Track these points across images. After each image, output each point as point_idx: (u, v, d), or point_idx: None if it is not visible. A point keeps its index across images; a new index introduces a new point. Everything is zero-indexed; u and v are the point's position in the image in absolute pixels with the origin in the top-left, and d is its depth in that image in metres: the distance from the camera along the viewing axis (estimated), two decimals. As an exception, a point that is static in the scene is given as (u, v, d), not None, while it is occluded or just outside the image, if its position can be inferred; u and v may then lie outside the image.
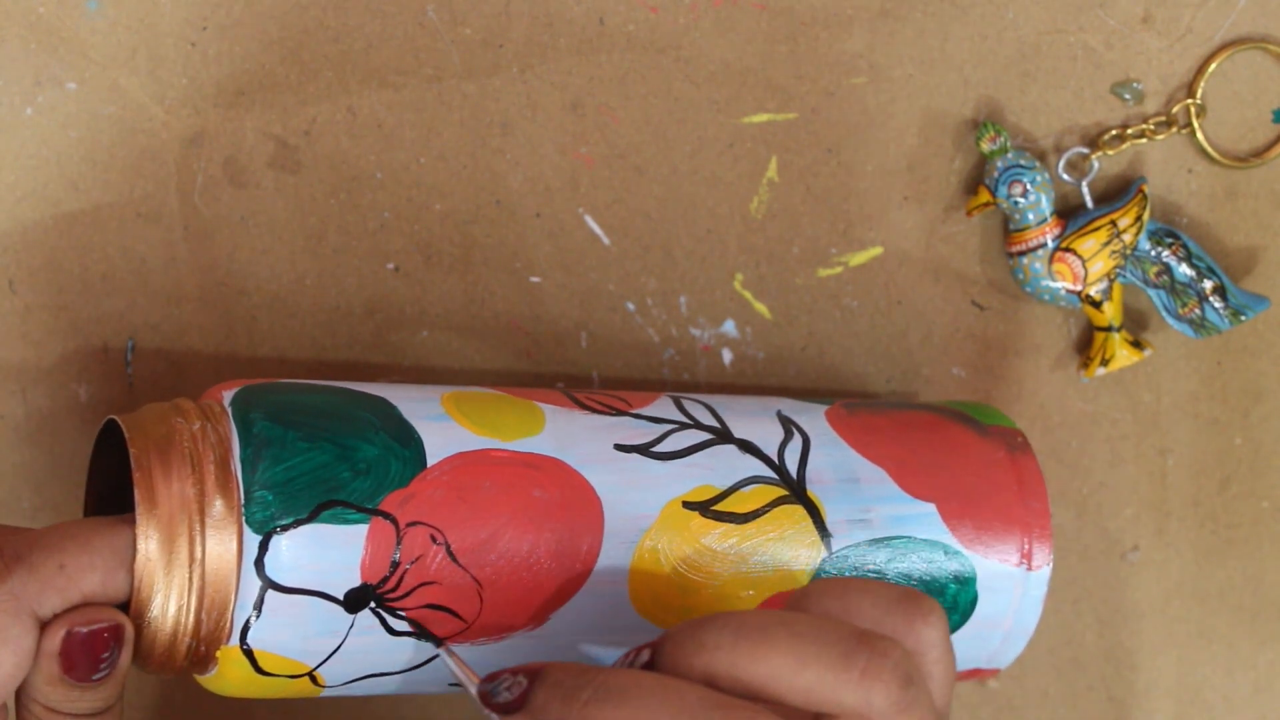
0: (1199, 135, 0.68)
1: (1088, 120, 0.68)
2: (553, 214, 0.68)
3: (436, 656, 0.57)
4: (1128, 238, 0.68)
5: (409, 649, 0.57)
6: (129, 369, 0.67)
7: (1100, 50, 0.68)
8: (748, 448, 0.61)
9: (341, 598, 0.56)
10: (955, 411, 0.65)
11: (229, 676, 0.57)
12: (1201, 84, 0.68)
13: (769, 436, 0.61)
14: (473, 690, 0.53)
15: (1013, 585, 0.62)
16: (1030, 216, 0.68)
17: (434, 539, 0.56)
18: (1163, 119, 0.68)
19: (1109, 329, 0.69)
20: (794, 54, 0.67)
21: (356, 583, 0.56)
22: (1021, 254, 0.68)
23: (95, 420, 0.66)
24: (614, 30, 0.67)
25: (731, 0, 0.67)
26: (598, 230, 0.68)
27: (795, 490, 0.60)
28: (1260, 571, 0.72)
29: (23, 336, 0.66)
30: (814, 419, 0.62)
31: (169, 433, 0.56)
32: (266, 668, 0.56)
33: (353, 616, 0.56)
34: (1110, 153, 0.68)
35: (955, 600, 0.61)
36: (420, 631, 0.57)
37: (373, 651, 0.57)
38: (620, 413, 0.60)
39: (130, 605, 0.55)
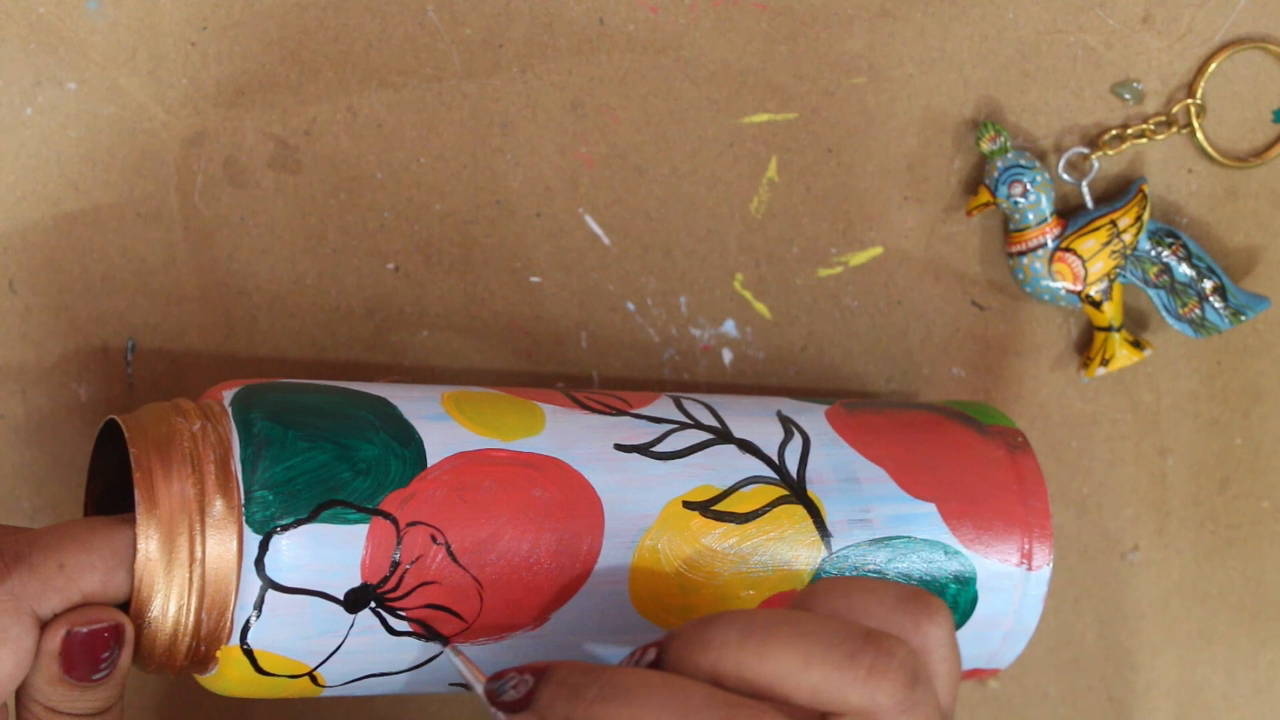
0: (1199, 135, 0.68)
1: (1088, 120, 0.68)
2: (553, 214, 0.68)
3: (437, 656, 0.57)
4: (1128, 238, 0.68)
5: (409, 649, 0.57)
6: (129, 369, 0.67)
7: (1100, 50, 0.68)
8: (748, 448, 0.61)
9: (341, 598, 0.56)
10: (955, 411, 0.65)
11: (229, 676, 0.57)
12: (1201, 84, 0.68)
13: (769, 436, 0.61)
14: (479, 689, 0.53)
15: (1013, 585, 0.62)
16: (1030, 216, 0.68)
17: (434, 539, 0.56)
18: (1163, 119, 0.68)
19: (1109, 329, 0.69)
20: (794, 54, 0.67)
21: (356, 582, 0.56)
22: (1021, 254, 0.68)
23: (95, 420, 0.66)
24: (614, 30, 0.67)
25: (731, 0, 0.67)
26: (598, 230, 0.68)
27: (795, 490, 0.60)
28: (1260, 571, 0.72)
29: (23, 336, 0.66)
30: (814, 419, 0.62)
31: (169, 433, 0.56)
32: (267, 668, 0.56)
33: (353, 616, 0.56)
34: (1110, 153, 0.68)
35: (955, 600, 0.61)
36: (427, 631, 0.57)
37: (373, 651, 0.57)
38: (620, 412, 0.60)
39: (130, 605, 0.55)
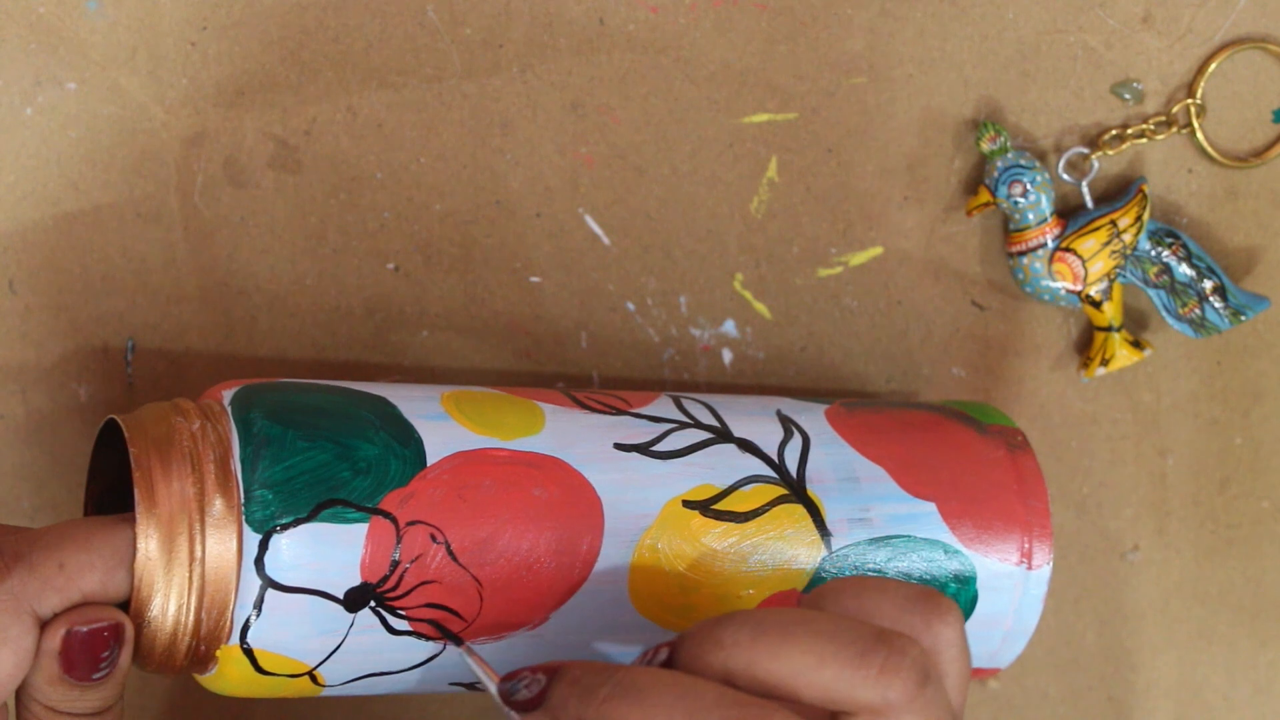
0: (1199, 135, 0.68)
1: (1088, 120, 0.68)
2: (553, 214, 0.68)
3: (437, 656, 0.57)
4: (1128, 238, 0.68)
5: (409, 648, 0.57)
6: (129, 369, 0.67)
7: (1100, 50, 0.68)
8: (747, 447, 0.61)
9: (341, 597, 0.56)
10: (955, 411, 0.65)
11: (229, 676, 0.57)
12: (1201, 84, 0.68)
13: (769, 436, 0.61)
14: (493, 689, 0.54)
15: (1013, 584, 0.62)
16: (1030, 216, 0.68)
17: (434, 538, 0.56)
18: (1163, 119, 0.68)
19: (1109, 329, 0.69)
20: (794, 54, 0.67)
21: (356, 582, 0.56)
22: (1021, 254, 0.68)
23: (95, 420, 0.66)
24: (614, 30, 0.67)
25: (731, 0, 0.67)
26: (598, 230, 0.68)
27: (795, 489, 0.60)
28: (1260, 571, 0.72)
29: (23, 336, 0.66)
30: (814, 418, 0.62)
31: (169, 432, 0.56)
32: (266, 667, 0.56)
33: (353, 616, 0.56)
34: (1110, 153, 0.68)
35: (955, 599, 0.61)
36: (439, 630, 0.57)
37: (373, 651, 0.57)
38: (620, 412, 0.60)
39: (130, 604, 0.55)
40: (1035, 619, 0.63)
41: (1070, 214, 0.68)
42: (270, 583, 0.55)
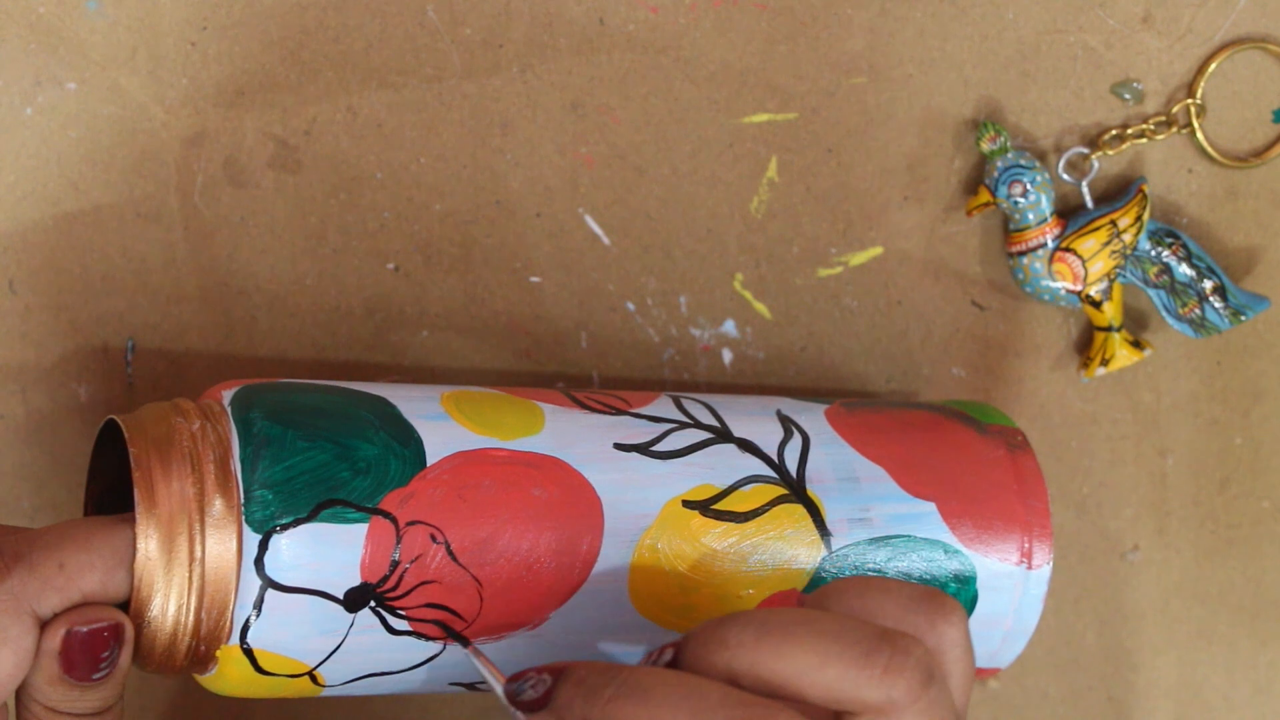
0: (1199, 135, 0.68)
1: (1088, 120, 0.68)
2: (553, 214, 0.68)
3: (436, 656, 0.57)
4: (1128, 238, 0.68)
5: (409, 648, 0.57)
6: (129, 369, 0.67)
7: (1100, 50, 0.68)
8: (747, 447, 0.61)
9: (341, 597, 0.56)
10: (955, 411, 0.65)
11: (229, 676, 0.57)
12: (1201, 84, 0.68)
13: (769, 435, 0.61)
14: (499, 689, 0.54)
15: (1013, 584, 0.62)
16: (1030, 216, 0.68)
17: (434, 538, 0.56)
18: (1163, 119, 0.68)
19: (1109, 329, 0.69)
20: (794, 54, 0.67)
21: (356, 582, 0.56)
22: (1021, 254, 0.68)
23: (95, 420, 0.66)
24: (614, 30, 0.67)
25: (731, 0, 0.67)
26: (598, 230, 0.68)
27: (795, 489, 0.60)
28: (1260, 571, 0.72)
29: (23, 336, 0.66)
30: (814, 418, 0.62)
31: (169, 432, 0.56)
32: (266, 667, 0.56)
33: (352, 616, 0.56)
34: (1110, 153, 0.68)
35: (947, 593, 0.61)
36: (447, 631, 0.57)
37: (373, 651, 0.57)
38: (620, 412, 0.60)
39: (130, 605, 0.55)
40: (1035, 619, 0.63)
41: (1070, 214, 0.68)
42: (270, 583, 0.55)
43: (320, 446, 0.56)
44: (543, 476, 0.58)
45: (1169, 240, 0.68)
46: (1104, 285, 0.68)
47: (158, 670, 0.57)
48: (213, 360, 0.67)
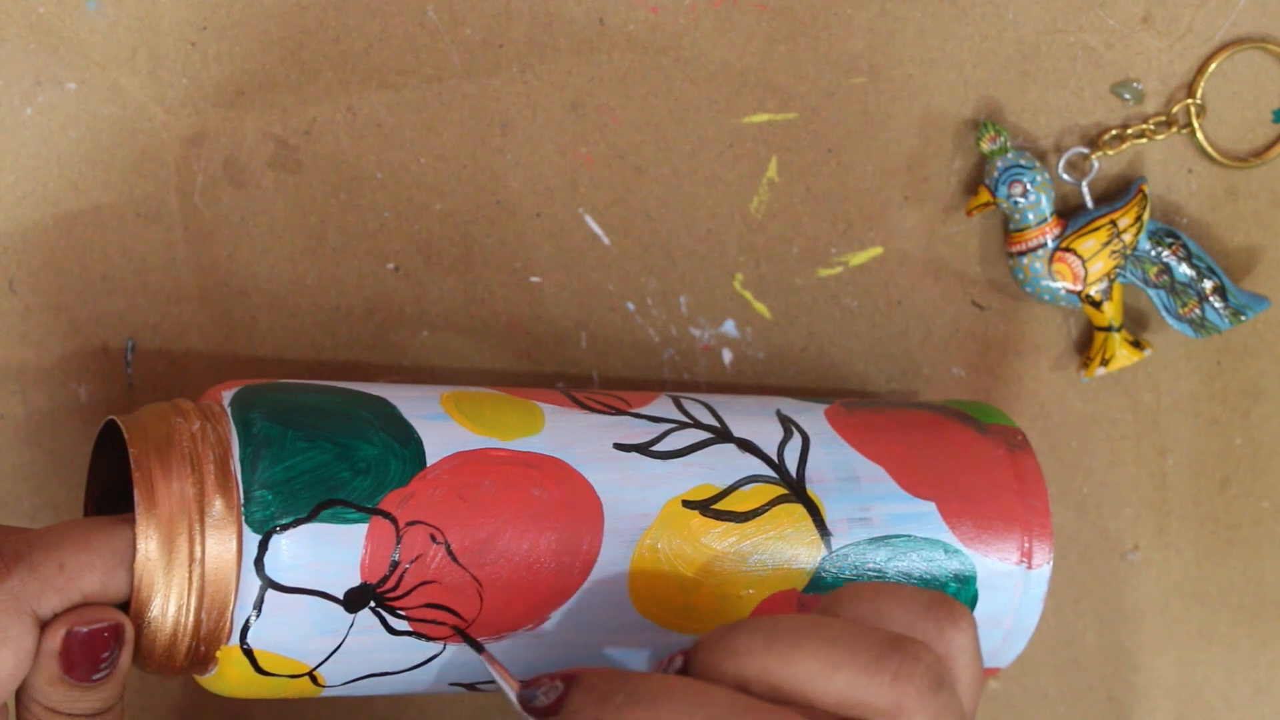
0: (1199, 135, 0.68)
1: (1088, 120, 0.68)
2: (553, 214, 0.68)
3: (436, 656, 0.57)
4: (1128, 238, 0.68)
5: (409, 648, 0.57)
6: (129, 369, 0.67)
7: (1100, 50, 0.68)
8: (747, 447, 0.61)
9: (341, 597, 0.56)
10: (955, 410, 0.65)
11: (229, 676, 0.57)
12: (1201, 84, 0.68)
13: (768, 435, 0.61)
14: (512, 695, 0.54)
15: (1013, 584, 0.62)
16: (1030, 216, 0.68)
17: (434, 538, 0.56)
18: (1163, 119, 0.68)
19: (1109, 329, 0.69)
20: (794, 54, 0.67)
21: (356, 582, 0.56)
22: (1021, 254, 0.68)
23: (95, 420, 0.66)
24: (614, 30, 0.67)
25: (731, 0, 0.67)
26: (598, 230, 0.68)
27: (795, 489, 0.60)
28: (1260, 571, 0.72)
29: (23, 336, 0.66)
30: (814, 418, 0.62)
31: (169, 433, 0.56)
32: (266, 668, 0.56)
33: (352, 616, 0.56)
34: (1110, 153, 0.68)
35: (956, 599, 0.61)
36: (464, 638, 0.57)
37: (373, 651, 0.57)
38: (620, 412, 0.60)
39: (130, 605, 0.55)
40: (1035, 618, 0.63)
41: (1070, 214, 0.68)
42: (270, 583, 0.55)
43: (320, 447, 0.56)
44: (543, 476, 0.58)
45: (1169, 240, 0.68)
46: (1104, 285, 0.68)
47: (158, 671, 0.57)
48: (213, 360, 0.67)
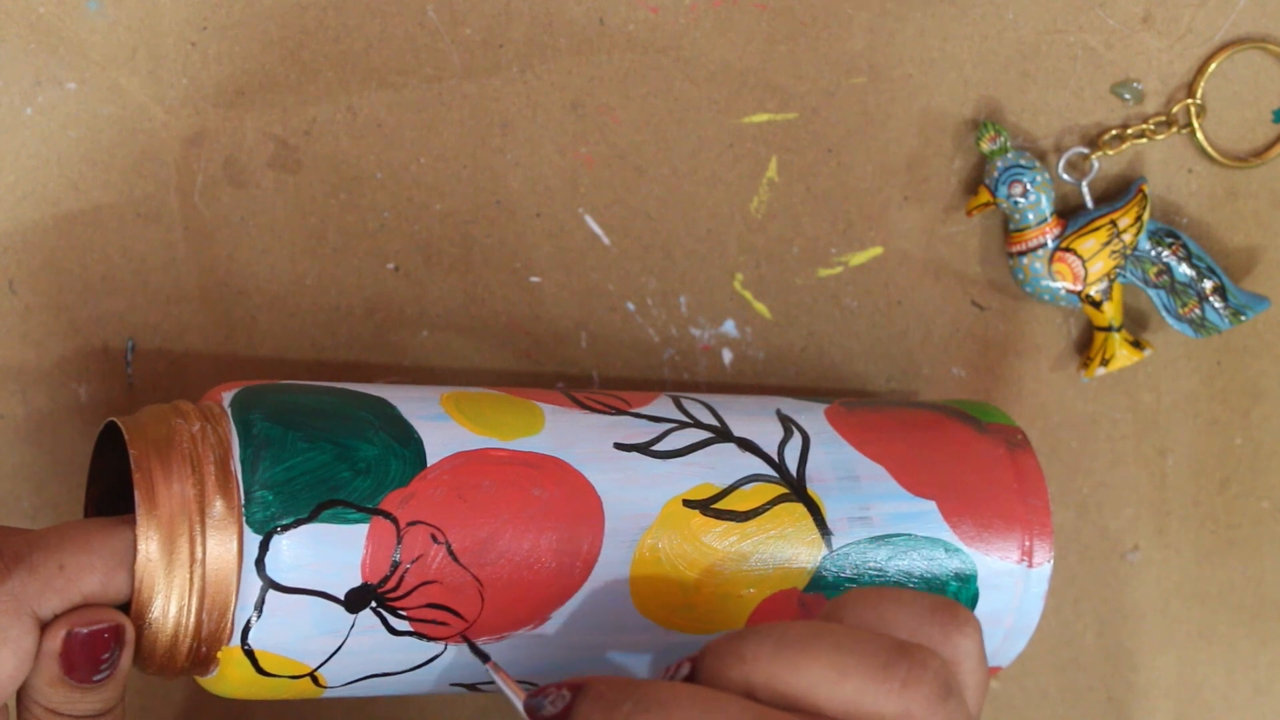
0: (1199, 135, 0.68)
1: (1088, 120, 0.68)
2: (553, 214, 0.68)
3: (437, 657, 0.57)
4: (1128, 238, 0.68)
5: (410, 649, 0.57)
6: (129, 369, 0.67)
7: (1100, 50, 0.68)
8: (747, 446, 0.61)
9: (342, 597, 0.56)
10: (955, 410, 0.65)
11: (230, 677, 0.57)
12: (1201, 84, 0.68)
13: (769, 435, 0.61)
14: (519, 704, 0.54)
15: (1013, 583, 0.62)
16: (1030, 216, 0.68)
17: (434, 538, 0.56)
18: (1163, 119, 0.68)
19: (1109, 329, 0.69)
20: (794, 54, 0.67)
21: (357, 582, 0.56)
22: (1021, 254, 0.68)
23: (95, 420, 0.66)
24: (614, 30, 0.67)
25: (731, 0, 0.67)
26: (598, 230, 0.68)
27: (795, 488, 0.60)
28: (1260, 571, 0.72)
29: (23, 336, 0.66)
30: (814, 417, 0.62)
31: (169, 434, 0.56)
32: (268, 668, 0.56)
33: (353, 616, 0.56)
34: (1110, 153, 0.68)
35: (956, 598, 0.61)
36: (473, 648, 0.57)
37: (374, 651, 0.57)
38: (620, 412, 0.60)
39: (131, 606, 0.55)
40: (1036, 617, 0.63)
41: (1070, 214, 0.68)
42: (271, 584, 0.55)
43: (320, 447, 0.56)
44: (543, 476, 0.58)
45: (1169, 240, 0.68)
46: (1104, 285, 0.68)
47: (158, 672, 0.57)
48: (213, 360, 0.67)
